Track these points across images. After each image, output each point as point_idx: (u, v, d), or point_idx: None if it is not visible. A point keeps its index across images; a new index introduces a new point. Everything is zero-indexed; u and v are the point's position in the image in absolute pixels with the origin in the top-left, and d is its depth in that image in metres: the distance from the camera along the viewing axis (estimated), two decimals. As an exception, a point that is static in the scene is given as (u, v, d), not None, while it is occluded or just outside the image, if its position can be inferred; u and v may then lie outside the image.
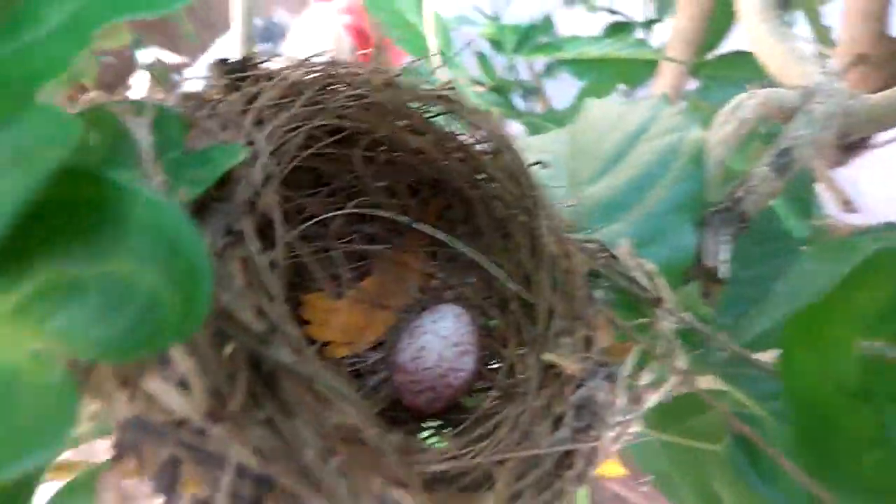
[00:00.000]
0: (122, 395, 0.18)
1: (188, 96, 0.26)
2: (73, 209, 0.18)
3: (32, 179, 0.15)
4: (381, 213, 0.34)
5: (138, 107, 0.23)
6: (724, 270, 0.32)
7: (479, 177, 0.32)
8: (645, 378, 0.29)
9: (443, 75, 0.95)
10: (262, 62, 0.29)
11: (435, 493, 0.21)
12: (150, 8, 0.20)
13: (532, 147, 0.46)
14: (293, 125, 0.27)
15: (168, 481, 0.19)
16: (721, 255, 0.32)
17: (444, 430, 0.30)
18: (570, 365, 0.26)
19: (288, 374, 0.19)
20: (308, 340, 0.33)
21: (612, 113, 0.43)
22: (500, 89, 0.94)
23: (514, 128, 0.93)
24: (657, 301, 0.30)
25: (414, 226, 0.35)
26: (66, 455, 0.26)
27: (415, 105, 0.32)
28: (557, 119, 0.87)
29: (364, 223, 0.35)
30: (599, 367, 0.27)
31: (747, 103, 0.38)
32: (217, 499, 0.19)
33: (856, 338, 0.23)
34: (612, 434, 0.27)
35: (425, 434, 0.31)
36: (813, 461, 0.23)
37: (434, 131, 0.32)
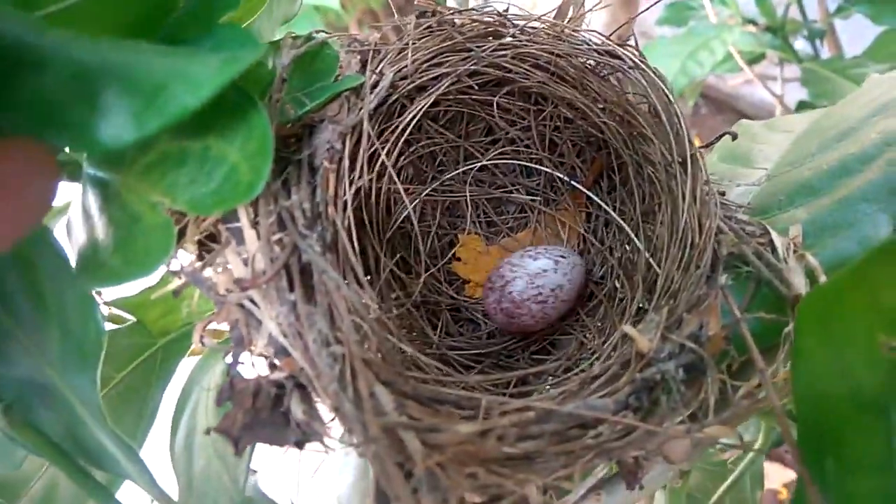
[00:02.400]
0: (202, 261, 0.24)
1: (353, 39, 0.30)
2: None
3: (233, 71, 0.18)
4: (544, 168, 0.35)
5: (300, 41, 0.28)
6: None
7: (637, 139, 0.31)
8: (748, 384, 0.25)
9: (710, 12, 0.84)
10: (448, 9, 0.32)
11: (425, 406, 0.22)
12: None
13: (777, 125, 0.40)
14: (440, 69, 0.30)
15: (236, 336, 0.24)
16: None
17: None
18: (641, 340, 0.24)
19: (316, 269, 0.23)
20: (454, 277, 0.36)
21: (876, 89, 0.35)
22: (778, 30, 0.80)
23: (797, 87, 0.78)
24: (795, 300, 0.25)
25: (573, 184, 0.34)
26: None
27: (584, 60, 0.31)
28: (841, 69, 0.71)
29: (528, 176, 0.36)
30: (682, 352, 0.24)
31: None
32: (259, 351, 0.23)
33: (878, 334, 0.17)
34: (680, 428, 0.24)
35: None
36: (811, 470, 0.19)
37: (597, 87, 0.31)
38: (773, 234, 0.28)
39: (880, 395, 0.20)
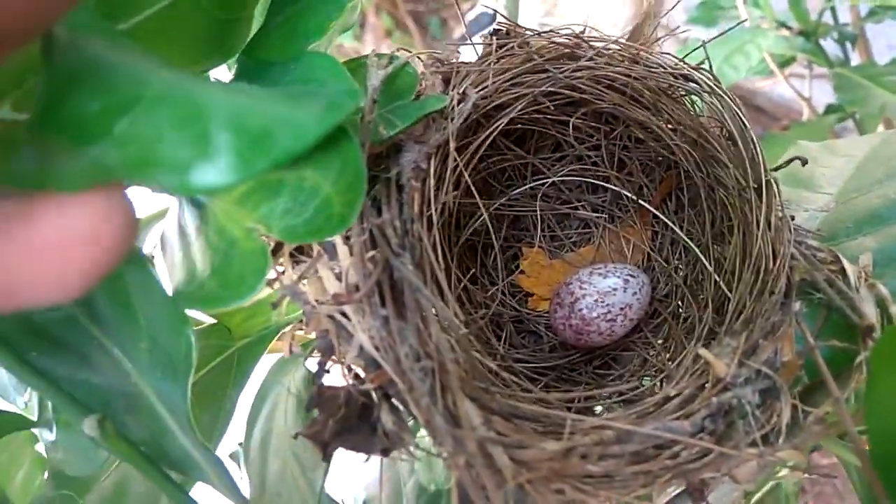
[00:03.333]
0: (295, 270, 0.25)
1: (435, 59, 0.31)
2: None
3: (335, 119, 0.18)
4: (611, 185, 0.35)
5: (384, 60, 0.29)
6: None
7: (710, 162, 0.31)
8: (822, 409, 0.25)
9: (743, 13, 0.84)
10: (526, 30, 0.33)
11: (508, 422, 0.23)
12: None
13: (837, 148, 0.40)
14: (518, 89, 0.30)
15: (325, 345, 0.25)
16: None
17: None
18: (719, 365, 0.25)
19: (408, 286, 0.23)
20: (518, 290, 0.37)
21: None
22: (810, 33, 0.79)
23: (822, 87, 0.77)
24: (868, 329, 0.26)
25: (640, 203, 0.35)
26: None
27: (659, 82, 0.32)
28: (874, 75, 0.70)
29: (593, 193, 0.36)
30: (758, 378, 0.25)
31: None
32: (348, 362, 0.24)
33: None
34: (753, 451, 0.24)
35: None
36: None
37: (671, 109, 0.32)
38: (845, 262, 0.28)
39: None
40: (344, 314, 0.24)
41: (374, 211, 0.25)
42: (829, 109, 0.86)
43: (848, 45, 0.86)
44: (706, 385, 0.26)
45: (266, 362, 0.33)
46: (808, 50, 0.84)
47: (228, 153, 0.16)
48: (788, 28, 0.84)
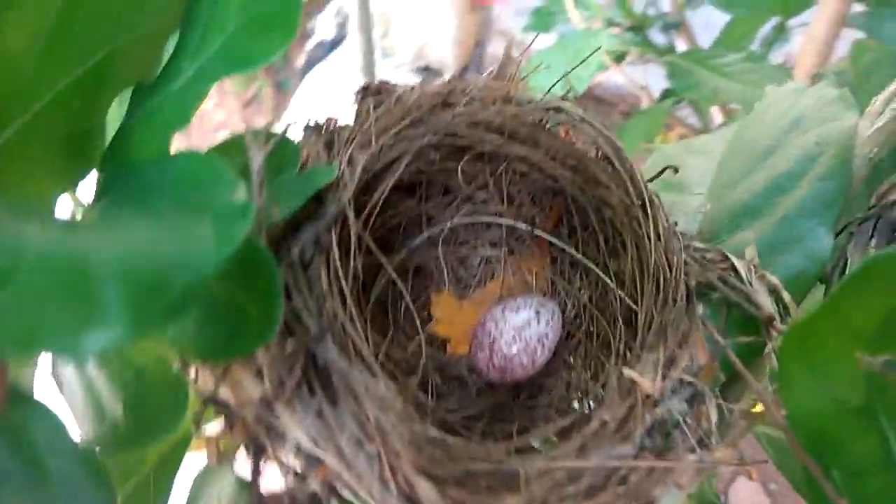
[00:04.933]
0: (213, 381, 0.23)
1: (311, 127, 0.30)
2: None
3: (230, 247, 0.16)
4: (503, 220, 0.36)
5: (261, 136, 0.28)
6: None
7: (591, 184, 0.33)
8: (744, 403, 0.27)
9: (574, 17, 0.91)
10: (394, 85, 0.33)
11: (461, 488, 0.22)
12: (255, 64, 0.25)
13: (694, 147, 0.44)
14: (402, 145, 0.30)
15: (254, 448, 0.24)
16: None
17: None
18: (645, 382, 0.26)
19: (336, 370, 0.23)
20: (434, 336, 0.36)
21: (782, 103, 0.39)
22: (639, 28, 0.87)
23: (655, 71, 0.85)
24: (768, 319, 0.28)
25: (535, 232, 0.36)
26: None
27: (530, 118, 0.33)
28: (700, 59, 0.79)
29: (489, 230, 0.37)
30: (682, 386, 0.26)
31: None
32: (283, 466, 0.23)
33: (854, 353, 0.20)
34: (693, 458, 0.26)
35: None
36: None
37: (547, 141, 0.33)
38: (734, 259, 0.30)
39: (867, 404, 0.22)
40: (272, 413, 0.23)
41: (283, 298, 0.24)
42: (665, 94, 0.93)
43: (673, 32, 0.94)
44: (634, 403, 0.27)
45: (186, 471, 0.31)
46: (638, 43, 0.90)
47: (120, 309, 0.14)
48: (618, 25, 0.91)
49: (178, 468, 0.30)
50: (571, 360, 0.34)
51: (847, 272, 0.30)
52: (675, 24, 0.94)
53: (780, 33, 0.88)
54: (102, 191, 0.25)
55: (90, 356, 0.20)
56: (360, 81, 0.34)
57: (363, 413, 0.22)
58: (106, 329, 0.13)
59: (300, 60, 1.66)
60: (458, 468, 0.23)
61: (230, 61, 0.25)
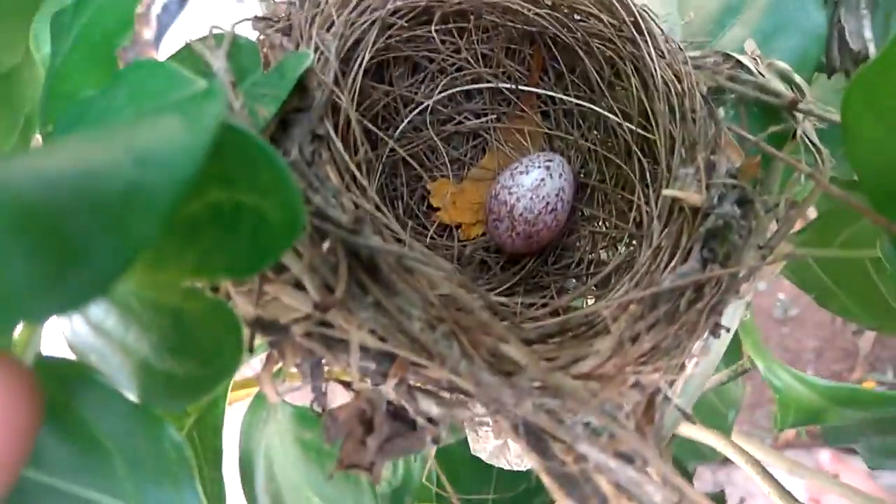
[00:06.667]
0: (248, 302, 0.21)
1: (260, 18, 0.27)
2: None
3: (207, 135, 0.13)
4: (484, 84, 0.33)
5: (215, 40, 0.25)
6: (872, 50, 0.27)
7: (573, 17, 0.30)
8: (789, 191, 0.26)
9: None
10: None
11: (546, 343, 0.21)
12: None
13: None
14: (365, 18, 0.27)
15: (311, 368, 0.22)
16: (866, 33, 0.27)
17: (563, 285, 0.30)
18: (690, 195, 0.25)
19: (383, 257, 0.20)
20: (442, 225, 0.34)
21: None
22: None
23: None
24: (792, 103, 0.26)
25: (520, 88, 0.33)
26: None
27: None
28: None
29: (471, 101, 0.34)
30: (728, 191, 0.25)
31: None
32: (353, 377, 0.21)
33: None
34: (754, 259, 0.25)
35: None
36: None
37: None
38: (737, 56, 0.29)
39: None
40: (324, 323, 0.21)
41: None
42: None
43: None
44: (685, 220, 0.25)
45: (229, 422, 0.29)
46: None
47: (96, 242, 0.11)
48: None
49: (220, 419, 0.27)
50: (588, 212, 0.33)
51: (840, 45, 0.29)
52: None
53: None
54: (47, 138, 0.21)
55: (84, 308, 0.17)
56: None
57: (425, 294, 0.20)
58: (86, 270, 0.10)
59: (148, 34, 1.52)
60: (533, 328, 0.22)
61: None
